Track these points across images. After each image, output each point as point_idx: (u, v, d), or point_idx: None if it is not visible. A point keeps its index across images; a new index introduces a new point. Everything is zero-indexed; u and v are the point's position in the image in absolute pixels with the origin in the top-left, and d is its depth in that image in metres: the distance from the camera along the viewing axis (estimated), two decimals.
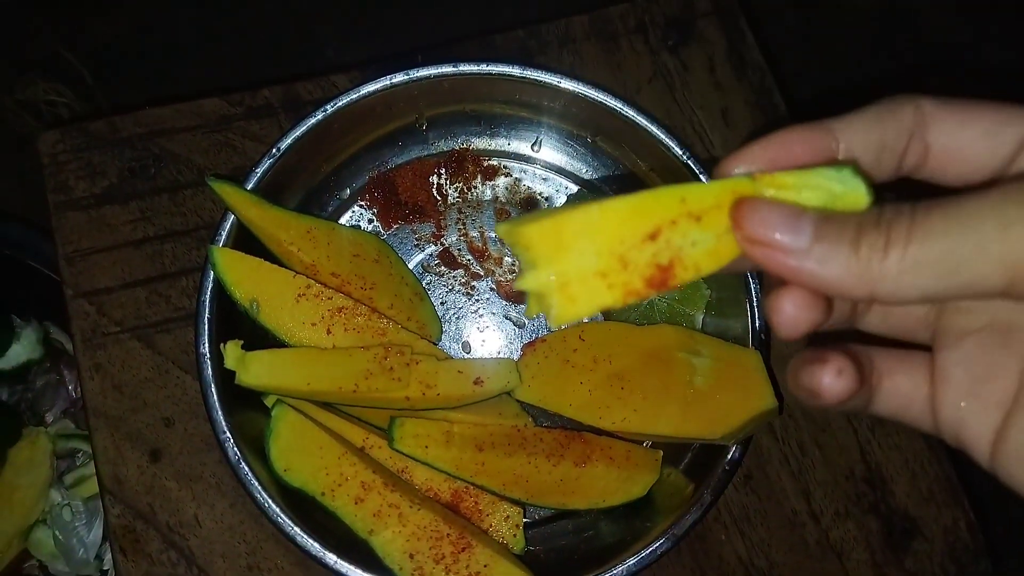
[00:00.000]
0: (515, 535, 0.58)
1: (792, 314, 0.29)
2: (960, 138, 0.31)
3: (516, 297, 0.68)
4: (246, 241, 0.60)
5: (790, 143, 0.31)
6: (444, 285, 0.68)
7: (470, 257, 0.68)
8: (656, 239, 0.28)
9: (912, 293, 0.27)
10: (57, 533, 0.83)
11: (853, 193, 0.29)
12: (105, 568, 0.85)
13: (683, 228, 0.29)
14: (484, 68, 0.63)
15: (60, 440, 0.87)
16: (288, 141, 0.61)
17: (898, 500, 0.65)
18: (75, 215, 0.66)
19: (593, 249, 0.28)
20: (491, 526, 0.58)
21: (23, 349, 0.88)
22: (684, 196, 0.29)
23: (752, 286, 0.61)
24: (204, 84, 0.73)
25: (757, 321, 0.60)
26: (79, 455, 0.88)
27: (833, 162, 0.31)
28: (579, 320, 0.29)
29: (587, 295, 0.28)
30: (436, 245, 0.68)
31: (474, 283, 0.68)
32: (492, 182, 0.70)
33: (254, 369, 0.55)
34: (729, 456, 0.57)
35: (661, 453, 0.61)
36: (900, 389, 0.34)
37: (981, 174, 0.31)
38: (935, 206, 0.27)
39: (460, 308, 0.67)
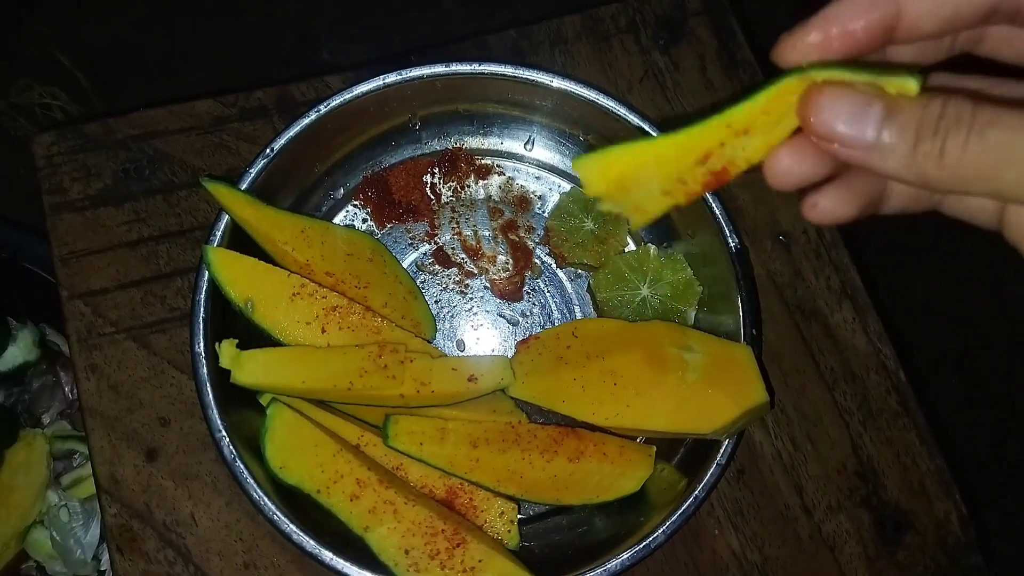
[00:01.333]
0: (510, 531, 0.58)
1: (788, 166, 0.31)
2: None
3: (510, 295, 0.68)
4: (240, 241, 0.61)
5: (852, 15, 0.31)
6: (438, 284, 0.68)
7: (464, 256, 0.69)
8: (708, 161, 0.32)
9: (962, 190, 0.29)
10: (54, 534, 0.83)
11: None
12: (102, 568, 0.85)
13: (731, 144, 0.32)
14: (476, 68, 0.64)
15: (57, 441, 0.88)
16: (282, 141, 0.62)
17: (890, 494, 0.66)
18: (70, 217, 0.66)
19: (656, 179, 0.33)
20: (486, 522, 0.58)
21: (19, 351, 0.88)
22: (729, 122, 0.32)
23: (742, 283, 0.61)
24: (200, 86, 0.74)
25: (748, 317, 0.61)
26: (76, 456, 0.88)
27: (887, 67, 0.31)
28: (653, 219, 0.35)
29: (656, 206, 0.34)
30: (430, 244, 0.69)
31: (468, 281, 0.68)
32: (485, 181, 0.70)
33: (249, 368, 0.56)
34: (722, 451, 0.58)
35: (654, 448, 0.61)
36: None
37: None
38: (994, 118, 0.28)
39: (454, 306, 0.68)
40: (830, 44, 0.31)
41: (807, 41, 0.31)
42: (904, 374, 0.69)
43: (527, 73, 0.63)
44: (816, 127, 0.30)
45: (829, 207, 0.33)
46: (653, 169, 0.33)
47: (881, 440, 0.67)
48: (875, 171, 0.30)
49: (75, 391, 0.89)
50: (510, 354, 0.64)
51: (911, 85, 0.29)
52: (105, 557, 0.85)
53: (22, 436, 0.88)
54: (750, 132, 0.31)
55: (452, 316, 0.68)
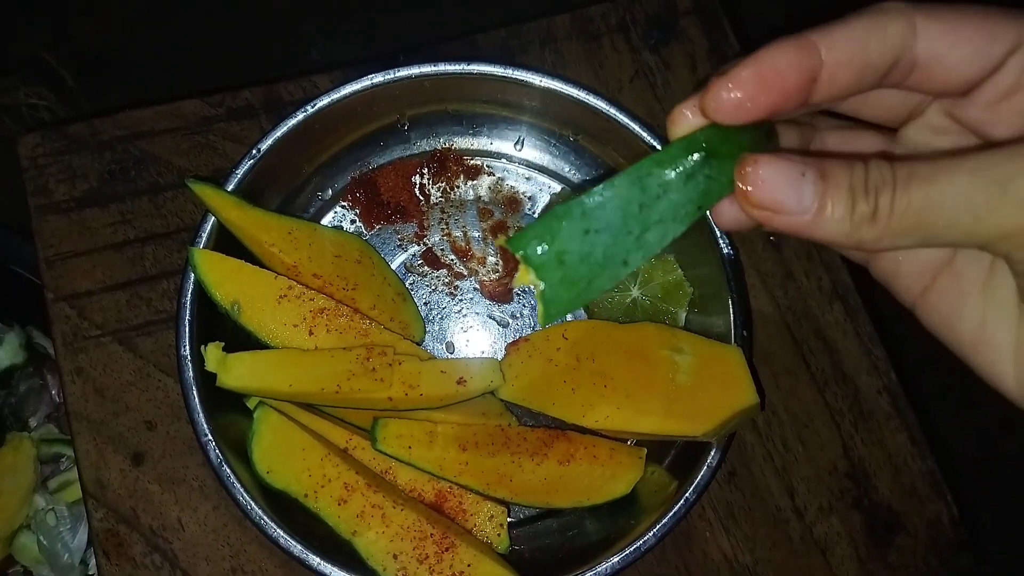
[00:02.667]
0: (499, 534, 0.58)
1: (727, 99, 0.31)
2: (949, 51, 0.31)
3: (499, 296, 0.68)
4: (227, 243, 0.60)
5: (777, 64, 0.31)
6: (427, 285, 0.68)
7: (453, 257, 0.68)
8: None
9: (894, 246, 0.31)
10: (41, 538, 0.83)
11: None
12: (90, 573, 0.85)
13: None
14: (465, 68, 0.63)
15: (44, 445, 0.87)
16: (269, 142, 0.61)
17: (881, 495, 0.66)
18: (55, 218, 0.66)
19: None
20: (475, 526, 0.58)
21: (6, 354, 0.87)
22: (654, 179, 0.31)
23: (733, 285, 0.61)
24: (189, 86, 0.73)
25: (739, 318, 0.61)
26: (63, 460, 0.88)
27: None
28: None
29: None
30: (419, 245, 0.68)
31: (457, 283, 0.68)
32: (475, 181, 0.70)
33: (235, 371, 0.55)
34: (712, 453, 0.57)
35: (645, 451, 0.61)
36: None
37: (966, 82, 0.32)
38: (912, 172, 0.29)
39: (443, 308, 0.67)
40: (757, 99, 0.31)
41: (730, 97, 0.31)
42: (895, 374, 0.68)
43: (516, 73, 0.63)
44: (755, 199, 0.30)
45: (731, 215, 0.34)
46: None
47: (872, 441, 0.67)
48: (811, 237, 0.31)
49: (61, 395, 0.88)
50: (500, 356, 0.64)
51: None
52: (93, 561, 0.84)
53: (9, 440, 0.87)
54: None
55: (441, 318, 0.67)
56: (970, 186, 0.29)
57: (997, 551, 0.76)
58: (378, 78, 0.63)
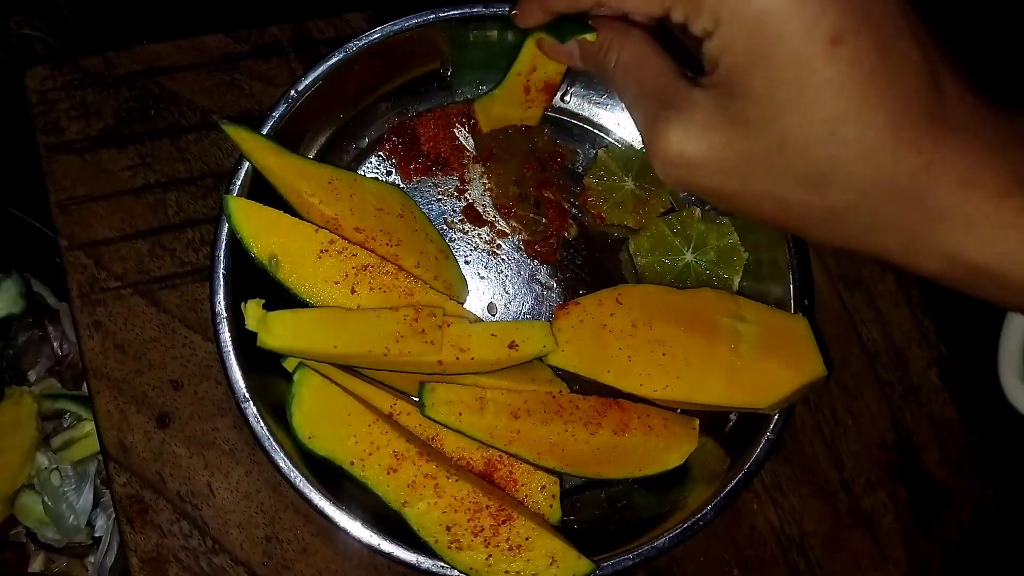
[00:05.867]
0: (551, 505, 0.55)
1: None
2: None
3: (544, 256, 0.64)
4: (260, 192, 0.56)
5: None
6: (468, 243, 0.64)
7: (495, 214, 0.65)
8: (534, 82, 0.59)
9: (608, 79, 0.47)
10: (46, 499, 0.79)
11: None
12: (97, 535, 0.81)
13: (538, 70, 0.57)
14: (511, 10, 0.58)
15: (45, 401, 0.82)
16: (306, 82, 0.57)
17: (928, 470, 0.65)
18: (68, 159, 0.61)
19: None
20: (527, 496, 0.55)
21: (2, 303, 0.82)
22: (519, 71, 0.58)
23: (793, 250, 0.59)
24: (198, 23, 0.67)
25: (799, 286, 0.58)
26: (66, 416, 0.83)
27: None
28: None
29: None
30: (460, 200, 0.64)
31: (499, 241, 0.64)
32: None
33: (277, 330, 0.51)
34: (771, 426, 0.55)
35: (698, 421, 0.59)
36: None
37: None
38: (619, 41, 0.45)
39: (485, 267, 0.64)
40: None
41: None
42: (944, 347, 0.67)
43: None
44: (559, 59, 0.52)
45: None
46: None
47: (921, 415, 0.65)
48: (584, 69, 0.49)
49: (63, 348, 0.83)
50: (544, 319, 0.61)
51: (592, 35, 0.46)
52: (99, 523, 0.81)
53: (8, 394, 0.82)
54: (536, 67, 0.56)
55: (482, 278, 0.64)
56: None
57: None
58: (419, 19, 0.58)
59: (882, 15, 0.32)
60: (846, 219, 0.35)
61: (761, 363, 0.55)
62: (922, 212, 0.33)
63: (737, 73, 0.34)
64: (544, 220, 0.65)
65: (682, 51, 0.44)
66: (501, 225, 0.65)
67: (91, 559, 0.81)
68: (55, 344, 0.83)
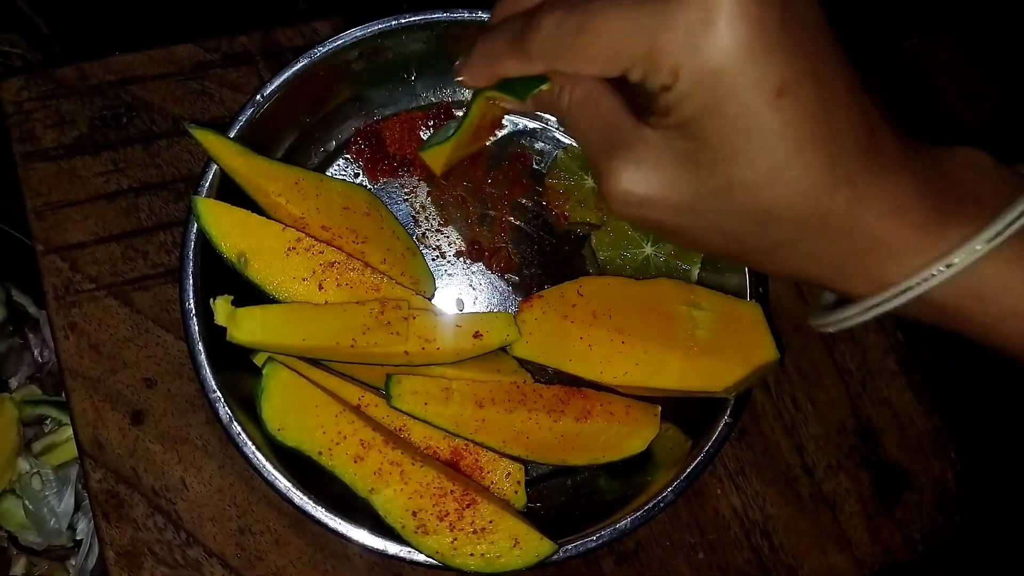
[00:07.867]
0: (516, 492, 0.57)
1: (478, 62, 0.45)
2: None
3: (505, 267, 0.66)
4: (228, 194, 0.57)
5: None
6: (435, 240, 0.66)
7: (460, 214, 0.66)
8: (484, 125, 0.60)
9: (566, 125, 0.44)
10: (27, 503, 0.80)
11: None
12: (78, 538, 0.82)
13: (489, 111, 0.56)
14: (479, 16, 0.61)
15: (26, 407, 0.83)
16: (271, 87, 0.59)
17: (888, 453, 0.66)
18: (43, 166, 0.62)
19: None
20: (492, 483, 0.57)
21: None
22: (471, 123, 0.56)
23: None
24: (170, 35, 0.69)
25: (754, 275, 0.60)
26: (47, 422, 0.84)
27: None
28: None
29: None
30: (427, 199, 0.66)
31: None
32: None
33: (246, 325, 0.53)
34: (728, 410, 0.57)
35: (659, 408, 0.60)
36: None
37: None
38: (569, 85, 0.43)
39: (452, 265, 0.66)
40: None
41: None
42: (901, 334, 0.69)
43: None
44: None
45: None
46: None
47: (879, 400, 0.67)
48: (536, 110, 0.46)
49: (44, 355, 0.85)
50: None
51: (547, 85, 0.43)
52: (80, 526, 0.82)
53: None
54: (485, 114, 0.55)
55: (449, 274, 0.66)
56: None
57: (1002, 506, 0.77)
58: (384, 25, 0.60)
59: (823, 67, 0.34)
60: (788, 251, 0.38)
61: (716, 348, 0.57)
62: (853, 242, 0.36)
63: (692, 120, 0.36)
64: (507, 243, 0.66)
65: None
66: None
67: (72, 562, 0.82)
68: (35, 351, 0.84)
